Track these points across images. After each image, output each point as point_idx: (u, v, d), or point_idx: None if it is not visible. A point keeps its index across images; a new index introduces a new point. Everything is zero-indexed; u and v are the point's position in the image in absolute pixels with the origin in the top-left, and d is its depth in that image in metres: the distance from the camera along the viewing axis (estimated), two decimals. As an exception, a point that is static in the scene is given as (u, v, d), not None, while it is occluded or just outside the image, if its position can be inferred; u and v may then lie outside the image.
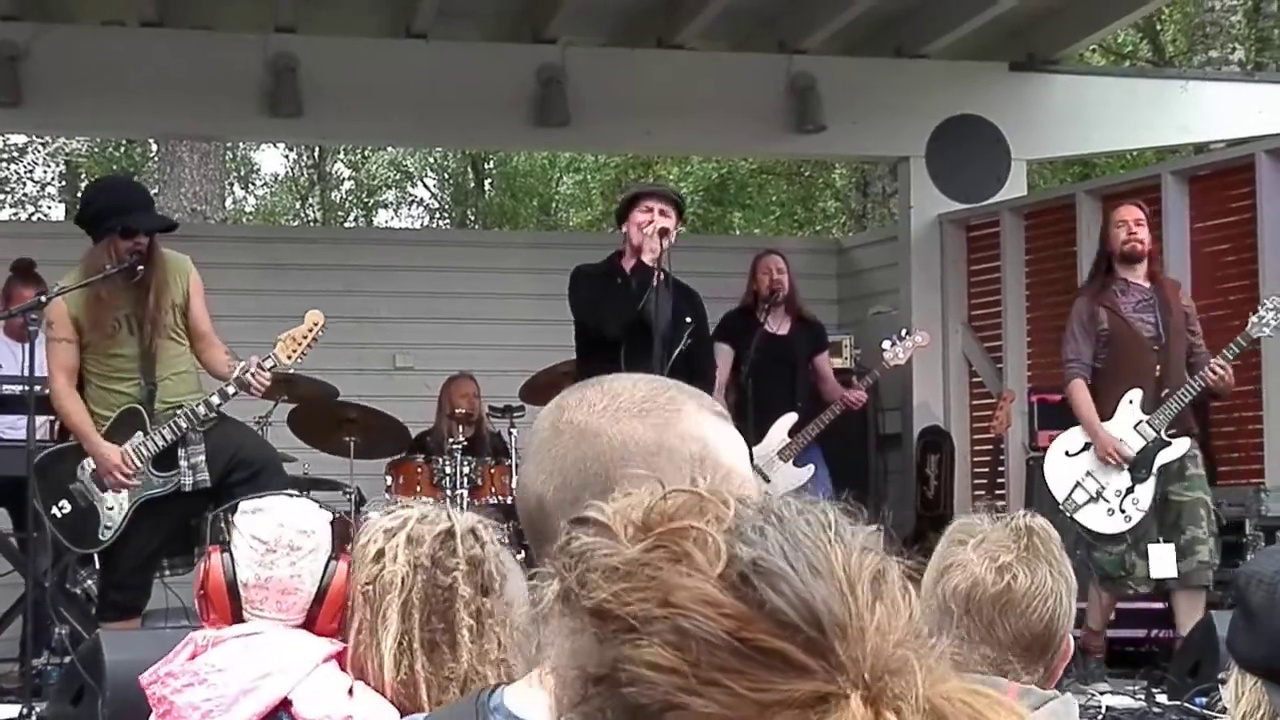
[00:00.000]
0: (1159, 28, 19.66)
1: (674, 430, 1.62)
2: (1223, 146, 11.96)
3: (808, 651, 1.00)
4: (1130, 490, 7.97)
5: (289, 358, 7.19)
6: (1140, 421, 7.99)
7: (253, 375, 7.07)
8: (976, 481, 10.87)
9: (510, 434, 9.50)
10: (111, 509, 7.20)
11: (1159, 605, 8.70)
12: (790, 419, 9.24)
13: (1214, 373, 7.89)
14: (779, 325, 9.66)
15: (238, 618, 3.44)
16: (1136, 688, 7.88)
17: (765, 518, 1.06)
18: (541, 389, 9.64)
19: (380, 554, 2.90)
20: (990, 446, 10.25)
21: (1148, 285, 8.18)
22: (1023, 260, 11.08)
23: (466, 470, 9.11)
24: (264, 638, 3.34)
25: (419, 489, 9.16)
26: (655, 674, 0.99)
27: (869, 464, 11.22)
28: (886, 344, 9.45)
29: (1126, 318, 8.13)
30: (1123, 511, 7.96)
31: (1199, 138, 12.57)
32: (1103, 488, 8.03)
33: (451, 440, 9.29)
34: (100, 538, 7.22)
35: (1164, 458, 7.97)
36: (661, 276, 7.66)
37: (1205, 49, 17.66)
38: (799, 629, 1.00)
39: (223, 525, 3.52)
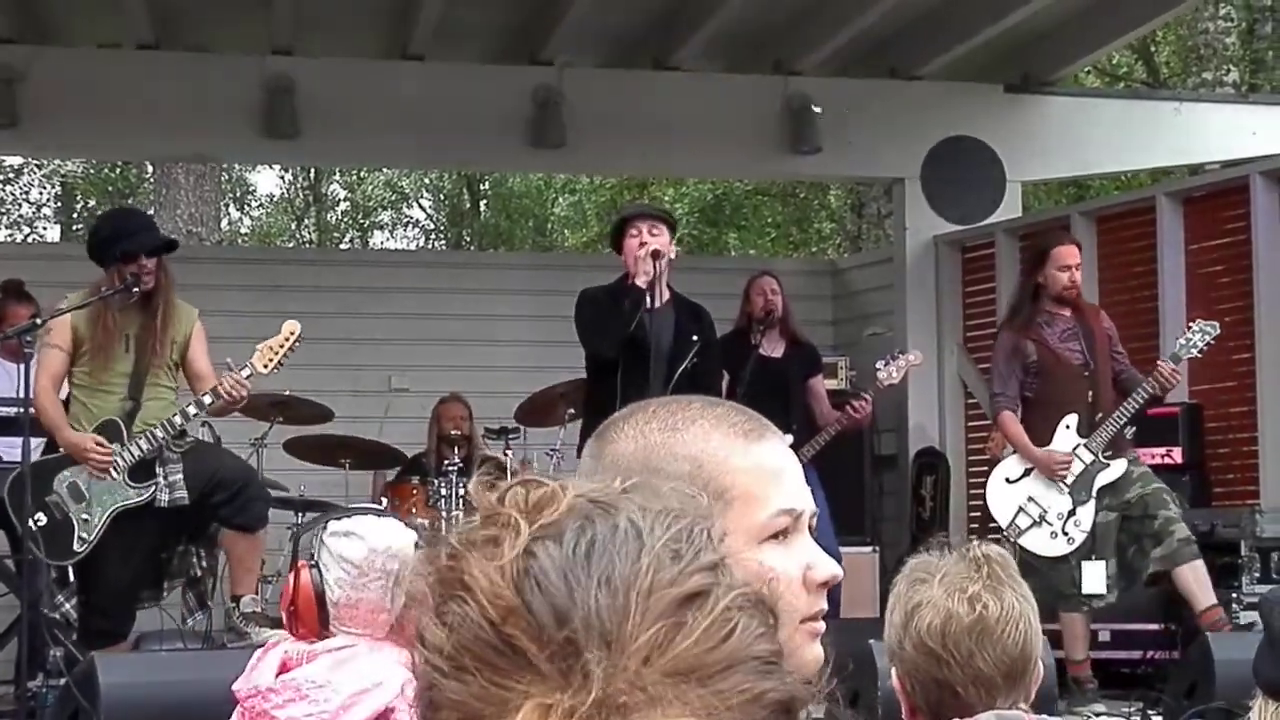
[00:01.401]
0: (1153, 49, 19.71)
1: (664, 449, 1.61)
2: (1217, 168, 11.98)
3: (551, 657, 0.98)
4: (1072, 513, 8.10)
5: (265, 367, 7.26)
6: (1078, 445, 8.10)
7: (226, 380, 7.12)
8: (972, 503, 10.87)
9: (506, 455, 9.50)
10: (86, 520, 7.22)
11: (1154, 626, 8.71)
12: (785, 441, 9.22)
13: (1160, 376, 7.96)
14: (773, 348, 9.67)
15: (325, 630, 3.47)
16: (1132, 709, 7.89)
17: (595, 520, 1.04)
18: (537, 410, 9.65)
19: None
20: (986, 468, 10.24)
21: (1069, 314, 8.28)
22: (1017, 282, 11.08)
23: (461, 492, 9.11)
24: (355, 651, 3.37)
25: (414, 510, 9.16)
26: (427, 653, 1.00)
27: (864, 485, 11.22)
28: (880, 364, 9.46)
29: (1054, 348, 8.22)
30: (1065, 534, 8.08)
31: (1194, 159, 12.61)
32: (1045, 511, 8.14)
33: (446, 462, 9.29)
34: (75, 549, 7.23)
35: (1103, 479, 8.08)
36: (654, 301, 7.67)
37: (1199, 71, 17.70)
38: (547, 633, 0.98)
39: (297, 547, 3.57)
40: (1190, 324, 8.28)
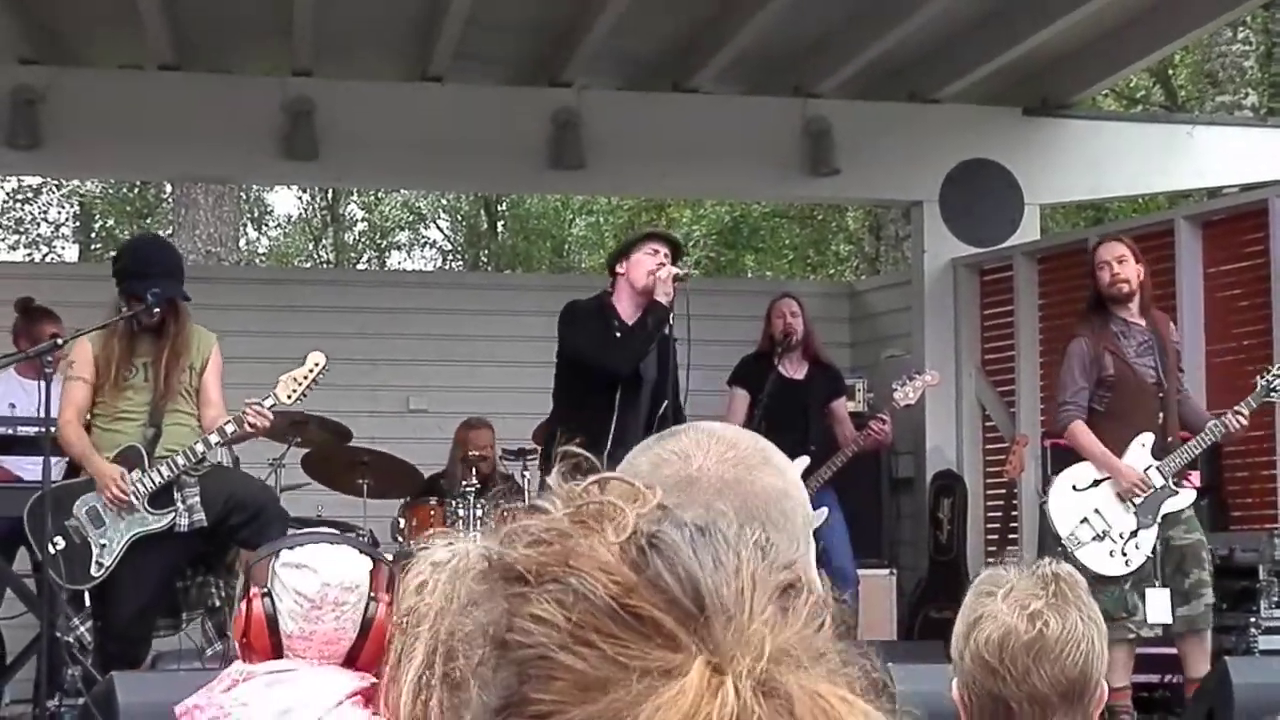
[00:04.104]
0: (1171, 73, 19.70)
1: (787, 479, 1.77)
2: (1236, 191, 11.97)
3: (683, 625, 1.02)
4: (1134, 534, 7.86)
5: (289, 398, 7.27)
6: (1150, 466, 7.91)
7: (250, 410, 7.13)
8: (989, 526, 10.85)
9: (524, 476, 9.50)
10: (105, 545, 7.23)
11: (1172, 650, 8.67)
12: (803, 463, 9.19)
13: (1238, 422, 7.82)
14: (795, 369, 9.68)
15: (279, 657, 3.47)
16: (1150, 734, 7.87)
17: (693, 521, 1.09)
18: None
19: (423, 585, 2.91)
20: (1003, 491, 10.23)
21: (1144, 324, 8.10)
22: (1036, 304, 11.08)
23: (480, 513, 9.12)
24: (294, 675, 3.37)
25: (432, 532, 9.15)
26: (536, 626, 1.03)
27: (882, 508, 11.21)
28: (896, 384, 9.45)
29: (1131, 363, 8.02)
30: (1124, 554, 7.85)
31: (1212, 182, 12.59)
32: (1109, 528, 7.90)
33: (465, 483, 9.30)
34: (93, 574, 7.24)
35: (1169, 506, 7.89)
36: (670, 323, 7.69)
37: (1217, 94, 17.69)
38: (678, 603, 1.03)
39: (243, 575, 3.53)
40: (1269, 368, 8.08)
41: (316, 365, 7.31)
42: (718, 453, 1.72)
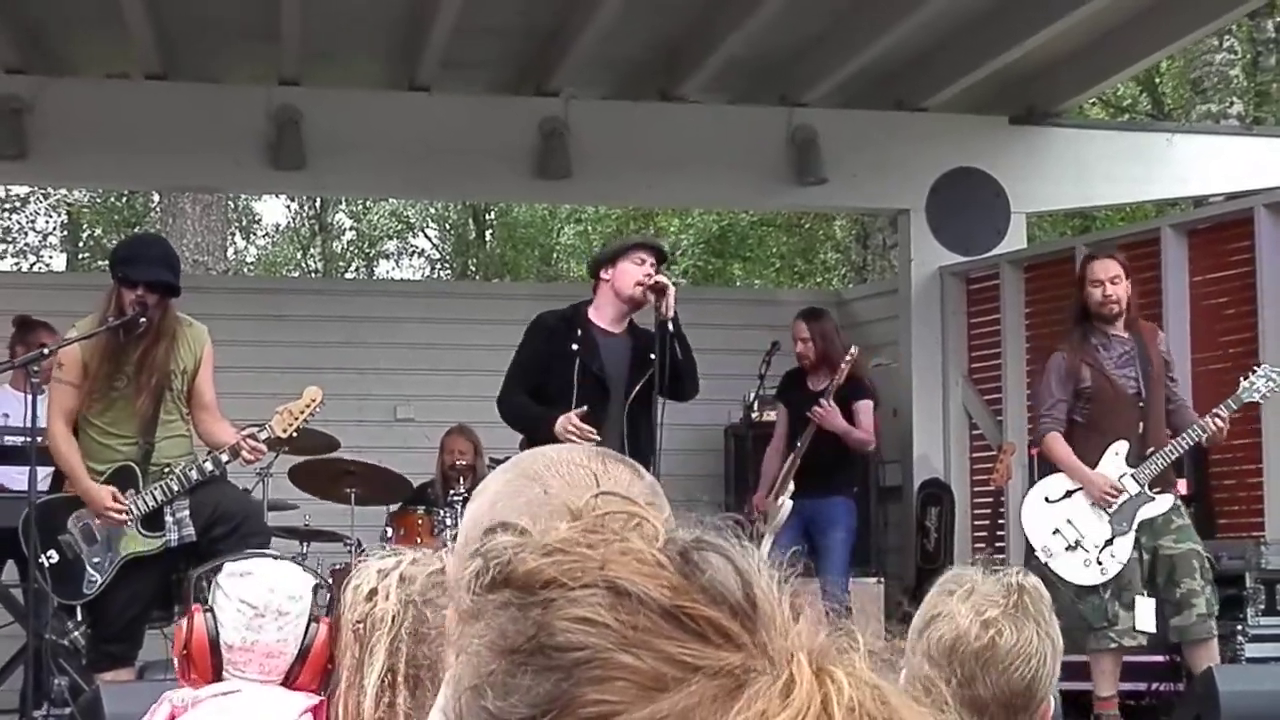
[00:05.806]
0: (1157, 81, 19.74)
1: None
2: (1222, 200, 11.99)
3: (738, 624, 1.02)
4: (1110, 542, 7.83)
5: (284, 431, 7.29)
6: (1125, 474, 7.89)
7: (246, 445, 7.15)
8: (976, 534, 10.86)
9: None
10: (98, 561, 7.24)
11: (1160, 659, 8.68)
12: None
13: (1215, 423, 7.77)
14: (819, 382, 9.74)
15: (218, 677, 3.45)
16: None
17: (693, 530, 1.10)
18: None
19: (373, 592, 2.92)
20: (990, 499, 10.24)
21: (1127, 336, 8.07)
22: (1022, 313, 11.10)
23: (467, 522, 9.10)
24: (242, 696, 3.35)
25: (419, 540, 9.15)
26: (587, 629, 1.01)
27: (870, 517, 11.20)
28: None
29: (1110, 375, 8.00)
30: (1100, 563, 7.81)
31: (1198, 191, 12.61)
32: (1082, 537, 7.87)
33: (452, 492, 9.29)
34: (85, 590, 7.25)
35: (1145, 513, 7.84)
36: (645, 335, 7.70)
37: (1203, 103, 17.73)
38: (733, 605, 1.03)
39: (205, 585, 3.51)
40: (1255, 368, 8.08)
41: (313, 401, 7.36)
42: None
